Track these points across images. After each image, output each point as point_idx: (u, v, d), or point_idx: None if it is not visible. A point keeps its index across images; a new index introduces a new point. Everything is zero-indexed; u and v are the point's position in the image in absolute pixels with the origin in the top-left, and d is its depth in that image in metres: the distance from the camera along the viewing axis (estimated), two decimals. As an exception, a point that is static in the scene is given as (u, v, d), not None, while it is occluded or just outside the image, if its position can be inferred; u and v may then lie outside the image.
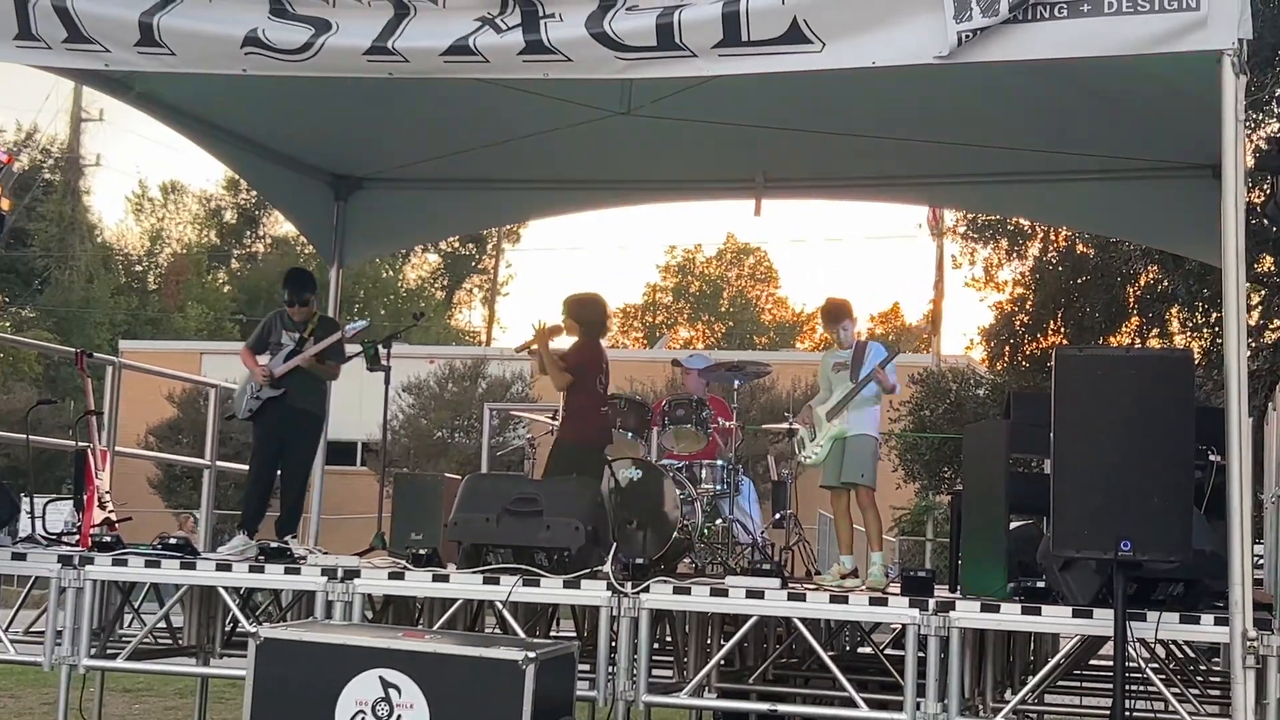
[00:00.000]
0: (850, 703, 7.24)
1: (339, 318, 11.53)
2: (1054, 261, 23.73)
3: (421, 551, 8.20)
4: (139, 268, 59.24)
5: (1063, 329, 23.39)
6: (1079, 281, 23.00)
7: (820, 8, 6.74)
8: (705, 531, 10.45)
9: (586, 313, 9.83)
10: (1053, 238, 23.60)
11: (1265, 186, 11.63)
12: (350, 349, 10.01)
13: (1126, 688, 6.52)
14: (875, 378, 8.76)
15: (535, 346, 9.66)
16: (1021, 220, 22.39)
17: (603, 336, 9.98)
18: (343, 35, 7.31)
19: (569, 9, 7.07)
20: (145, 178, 73.72)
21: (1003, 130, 10.30)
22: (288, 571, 8.06)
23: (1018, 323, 24.15)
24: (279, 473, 9.80)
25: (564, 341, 9.83)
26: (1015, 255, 24.51)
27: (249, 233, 62.70)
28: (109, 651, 8.72)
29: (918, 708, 6.95)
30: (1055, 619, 6.92)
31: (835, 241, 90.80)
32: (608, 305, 10.11)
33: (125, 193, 64.78)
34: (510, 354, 34.86)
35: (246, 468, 10.10)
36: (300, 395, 9.72)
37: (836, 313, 9.19)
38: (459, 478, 10.05)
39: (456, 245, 62.58)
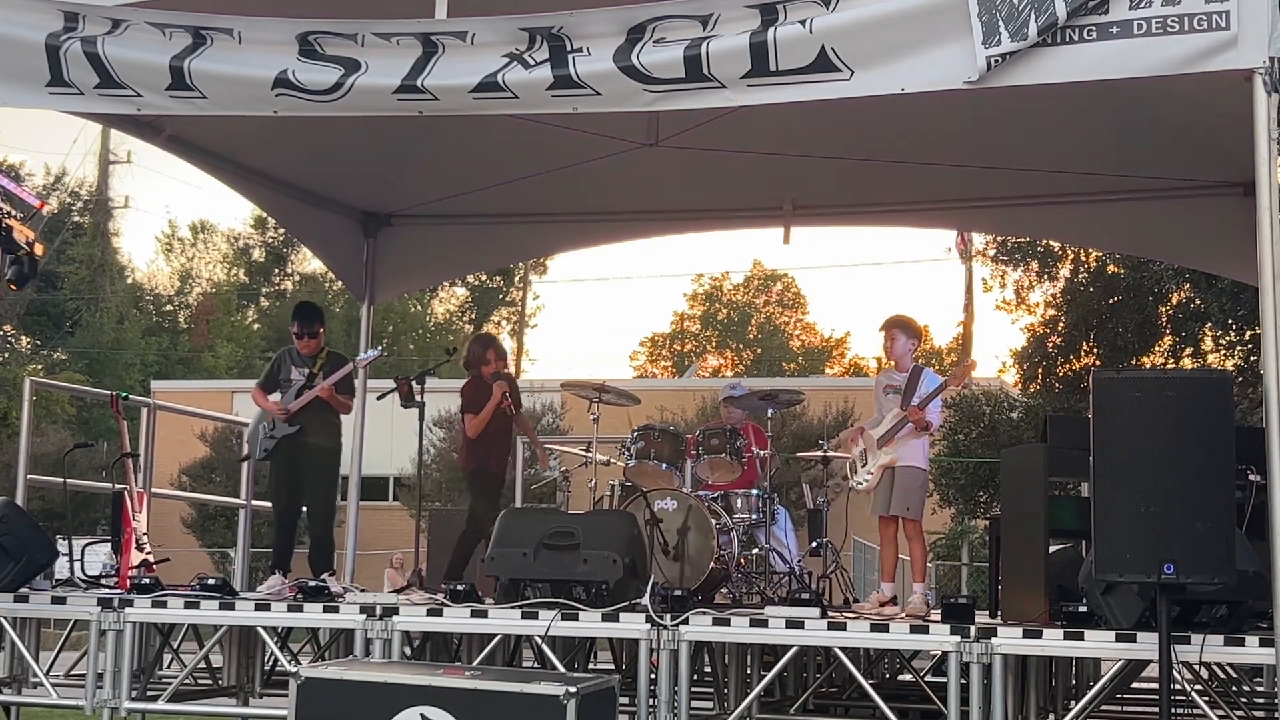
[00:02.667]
0: (893, 731, 7.21)
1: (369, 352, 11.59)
2: (1085, 282, 23.68)
3: (459, 587, 8.21)
4: (169, 308, 59.56)
5: (1095, 350, 23.32)
6: (1111, 302, 22.95)
7: (848, 36, 6.76)
8: (742, 561, 10.41)
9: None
10: (1083, 259, 23.56)
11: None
12: (385, 386, 10.04)
13: (1172, 711, 6.48)
14: (912, 419, 8.67)
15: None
16: (1051, 242, 22.33)
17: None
18: (372, 75, 7.37)
19: (597, 43, 7.10)
20: (174, 218, 74.25)
21: (1032, 153, 10.29)
22: (326, 610, 8.07)
23: (1050, 344, 24.09)
24: (304, 509, 9.84)
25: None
26: (1046, 277, 24.47)
27: (277, 270, 62.96)
28: (150, 693, 8.75)
29: (961, 735, 6.92)
30: (1098, 644, 6.89)
31: (864, 266, 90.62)
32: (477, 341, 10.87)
33: (154, 233, 65.36)
34: (542, 387, 35.03)
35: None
36: (315, 431, 9.75)
37: (899, 326, 9.00)
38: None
39: (484, 278, 62.68)
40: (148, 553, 9.55)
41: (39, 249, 8.78)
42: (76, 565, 9.62)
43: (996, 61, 6.59)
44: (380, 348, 10.87)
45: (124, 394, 10.52)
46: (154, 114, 8.40)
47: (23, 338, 52.60)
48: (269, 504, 10.38)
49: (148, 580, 8.67)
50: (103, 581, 9.52)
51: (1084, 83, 6.84)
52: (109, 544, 9.85)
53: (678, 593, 7.82)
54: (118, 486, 9.88)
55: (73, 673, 8.89)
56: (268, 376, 9.99)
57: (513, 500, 11.72)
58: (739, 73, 6.91)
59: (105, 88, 7.75)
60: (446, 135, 10.26)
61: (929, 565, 25.57)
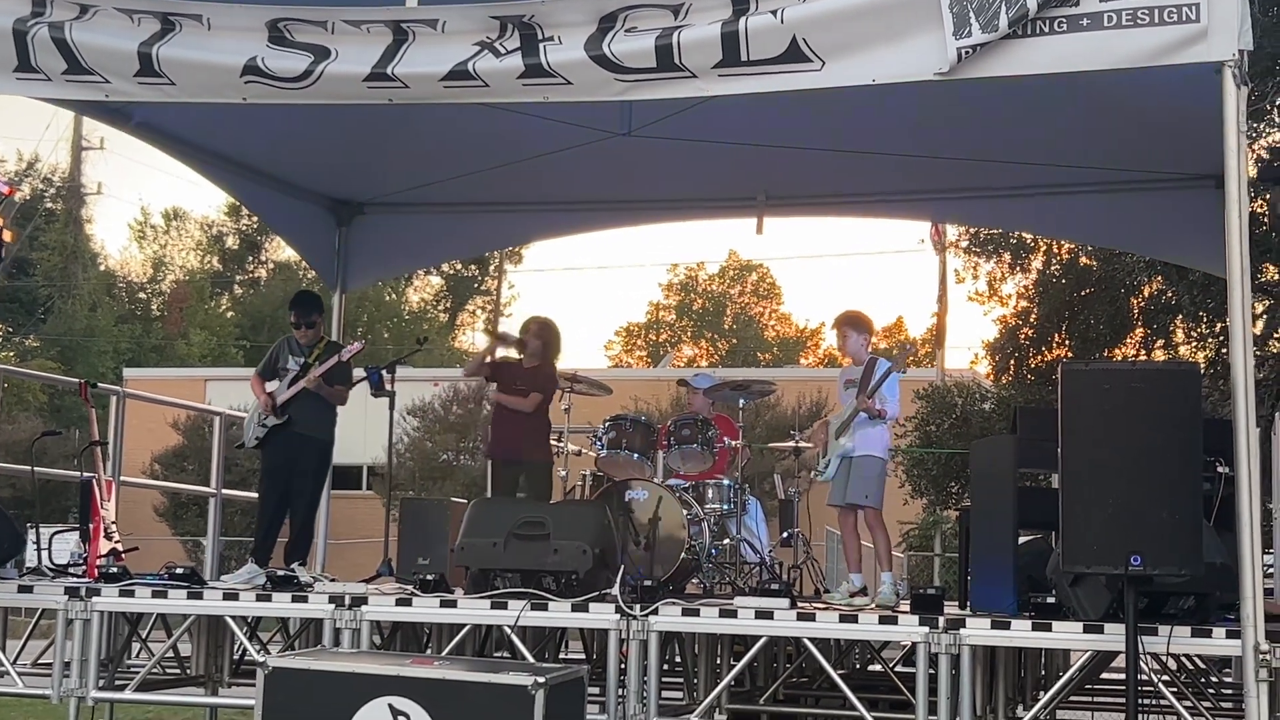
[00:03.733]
0: (861, 721, 7.21)
1: (345, 341, 11.53)
2: (1057, 274, 23.70)
3: (429, 577, 8.19)
4: (142, 295, 59.19)
5: (1067, 341, 23.36)
6: (1083, 294, 22.98)
7: (819, 26, 6.74)
8: (713, 551, 10.42)
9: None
10: (1056, 250, 23.58)
11: (1267, 196, 11.62)
12: (356, 375, 10.00)
13: (1139, 702, 6.50)
14: (861, 408, 8.71)
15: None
16: (1024, 234, 22.36)
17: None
18: (342, 62, 7.32)
19: (568, 32, 7.08)
20: (147, 205, 73.69)
21: (1004, 145, 10.29)
22: (295, 599, 8.05)
23: (1022, 336, 24.12)
24: (288, 500, 9.80)
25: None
26: (1018, 269, 24.48)
27: (251, 258, 62.68)
28: (117, 682, 8.70)
29: (929, 726, 6.93)
30: (1066, 635, 6.90)
31: (838, 257, 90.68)
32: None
33: (127, 220, 64.82)
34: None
35: (253, 495, 10.09)
36: (306, 421, 9.71)
37: (848, 323, 9.09)
38: (465, 502, 10.04)
39: (459, 267, 62.55)
40: (116, 541, 9.50)
41: (9, 235, 8.73)
42: (44, 554, 9.56)
43: (967, 53, 6.58)
44: (362, 341, 10.83)
45: (92, 382, 10.46)
46: (122, 100, 8.34)
47: (-6, 324, 52.33)
48: (242, 493, 10.37)
49: (116, 569, 8.62)
50: (70, 570, 9.46)
51: (1056, 75, 6.85)
52: (77, 532, 9.79)
53: (648, 583, 7.82)
54: (86, 475, 9.82)
55: (40, 661, 8.83)
56: (266, 364, 9.97)
57: (485, 490, 11.65)
58: (710, 62, 6.89)
59: (73, 74, 7.70)
60: (420, 123, 10.21)
61: (900, 556, 25.71)
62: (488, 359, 10.91)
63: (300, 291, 10.52)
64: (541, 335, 10.65)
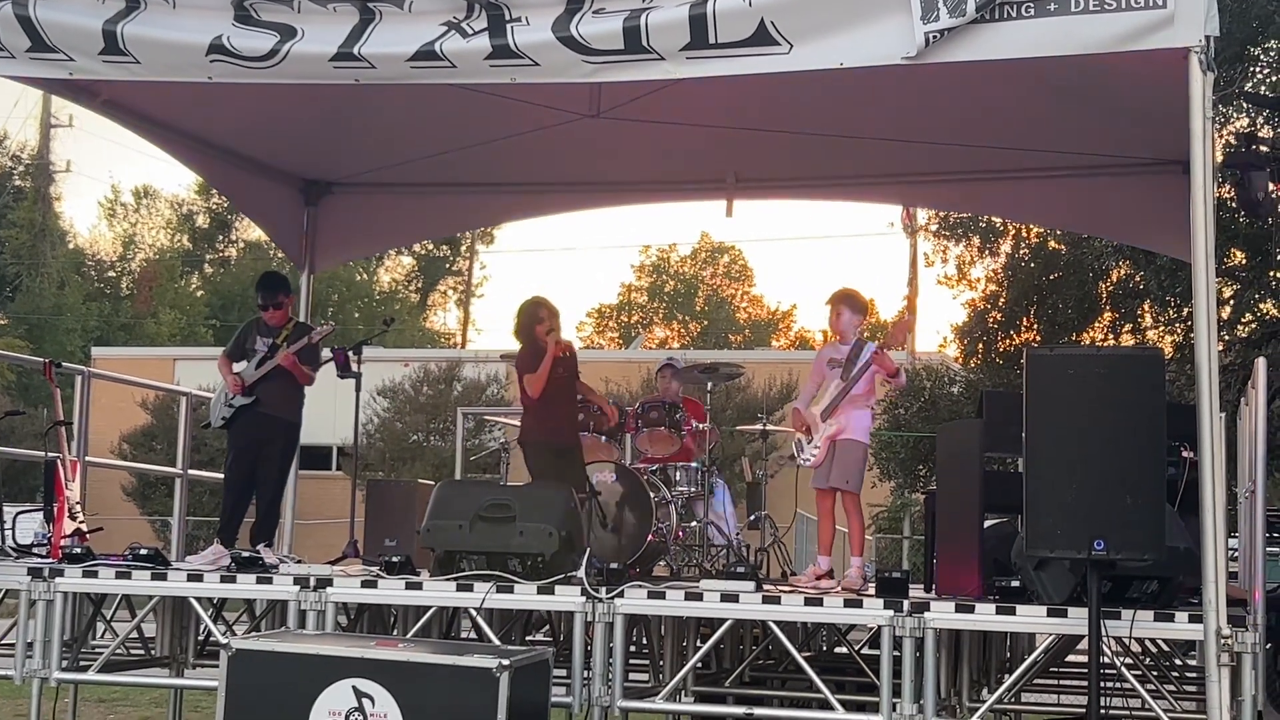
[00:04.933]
0: (826, 704, 7.24)
1: (314, 322, 11.48)
2: (1026, 258, 23.76)
3: (395, 559, 8.17)
4: (111, 274, 58.94)
5: (1036, 325, 23.42)
6: (1051, 278, 23.04)
7: (787, 10, 6.73)
8: (680, 534, 10.42)
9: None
10: (1025, 234, 23.62)
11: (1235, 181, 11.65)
12: (324, 355, 9.97)
13: (1102, 685, 6.53)
14: (874, 362, 8.66)
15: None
16: (994, 218, 22.41)
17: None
18: (308, 42, 7.27)
19: (535, 12, 7.04)
20: (117, 182, 73.39)
21: (974, 129, 10.29)
22: (259, 581, 8.02)
23: (991, 319, 24.17)
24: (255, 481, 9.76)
25: None
26: (987, 252, 24.53)
27: (221, 237, 62.46)
28: (81, 663, 8.67)
29: (894, 709, 6.95)
30: (1030, 619, 6.92)
31: (810, 240, 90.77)
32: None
33: (97, 198, 64.50)
34: (486, 357, 34.90)
35: (219, 475, 10.04)
36: (274, 402, 9.67)
37: (844, 301, 8.99)
38: (433, 483, 10.02)
39: (430, 248, 62.47)
40: (80, 522, 9.44)
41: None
42: (8, 534, 9.51)
43: (935, 37, 6.57)
44: (333, 323, 10.77)
45: (57, 361, 10.39)
46: (87, 79, 8.26)
47: (-39, 303, 52.00)
48: (210, 474, 10.33)
49: (79, 550, 8.57)
50: (34, 550, 9.41)
51: (1023, 59, 6.85)
52: (41, 513, 9.74)
53: (614, 566, 7.82)
54: (51, 455, 9.76)
55: (3, 642, 8.78)
56: (234, 345, 9.93)
57: (454, 472, 11.62)
58: (678, 45, 6.87)
59: (37, 51, 7.63)
60: (389, 102, 10.15)
61: (869, 539, 25.79)
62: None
63: (266, 273, 10.47)
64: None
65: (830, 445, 8.72)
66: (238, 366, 9.76)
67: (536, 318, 10.00)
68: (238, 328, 10.24)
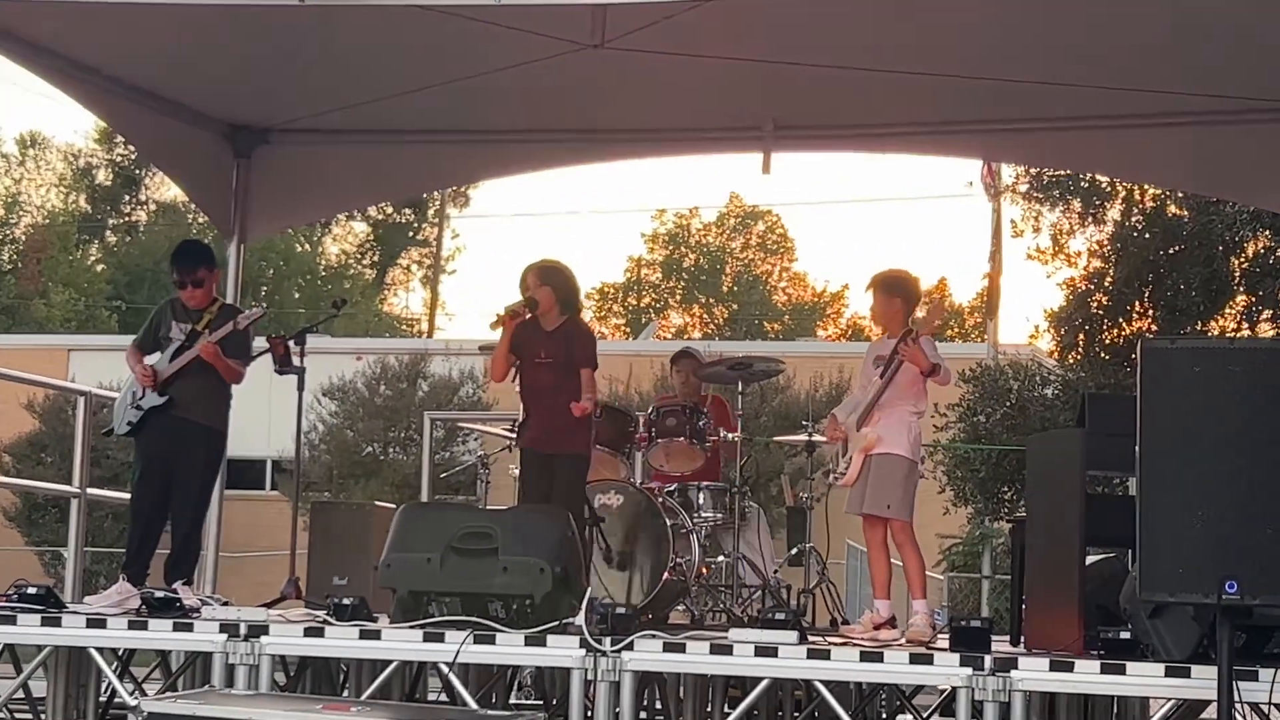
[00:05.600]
0: (887, 786, 7.26)
1: (243, 304, 11.49)
2: (1139, 227, 23.76)
3: (346, 601, 8.19)
4: (-10, 243, 59.19)
5: (1151, 311, 23.44)
6: (1171, 252, 23.06)
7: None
8: (704, 571, 10.44)
9: (574, 285, 9.95)
10: (1138, 198, 23.63)
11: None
12: (257, 345, 9.99)
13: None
14: (904, 356, 8.67)
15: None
16: (1099, 176, 22.41)
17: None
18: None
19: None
20: (-3, 129, 73.50)
21: (1075, 64, 10.28)
22: (177, 628, 8.05)
23: (1094, 304, 24.18)
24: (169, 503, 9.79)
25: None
26: (1091, 220, 24.54)
27: (128, 197, 62.63)
28: (-48, 730, 8.69)
29: (972, 791, 6.97)
30: (1143, 679, 6.93)
31: (866, 203, 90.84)
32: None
33: (-29, 148, 64.47)
34: (460, 349, 34.97)
35: (125, 495, 10.06)
36: (191, 404, 9.68)
37: (887, 285, 9.05)
38: (393, 506, 10.03)
39: (390, 212, 62.56)
40: (-47, 553, 9.48)
41: None
42: None
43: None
44: (262, 305, 10.79)
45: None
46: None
47: None
48: (113, 493, 10.35)
49: (-49, 588, 8.60)
50: (-105, 589, 9.44)
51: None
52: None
53: (621, 610, 7.82)
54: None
55: None
56: (146, 333, 9.94)
57: (419, 492, 11.63)
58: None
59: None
60: (341, 29, 10.16)
61: (939, 578, 25.81)
62: (508, 348, 9.86)
63: (184, 242, 10.47)
64: (549, 281, 9.79)
65: (867, 461, 8.76)
66: (150, 359, 9.77)
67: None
68: (150, 311, 10.26)
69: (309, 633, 7.88)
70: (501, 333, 9.70)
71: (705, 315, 67.23)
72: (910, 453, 8.86)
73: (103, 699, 9.35)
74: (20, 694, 9.12)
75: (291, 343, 9.97)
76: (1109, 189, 23.73)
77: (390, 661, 7.84)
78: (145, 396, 9.68)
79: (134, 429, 9.74)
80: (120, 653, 8.94)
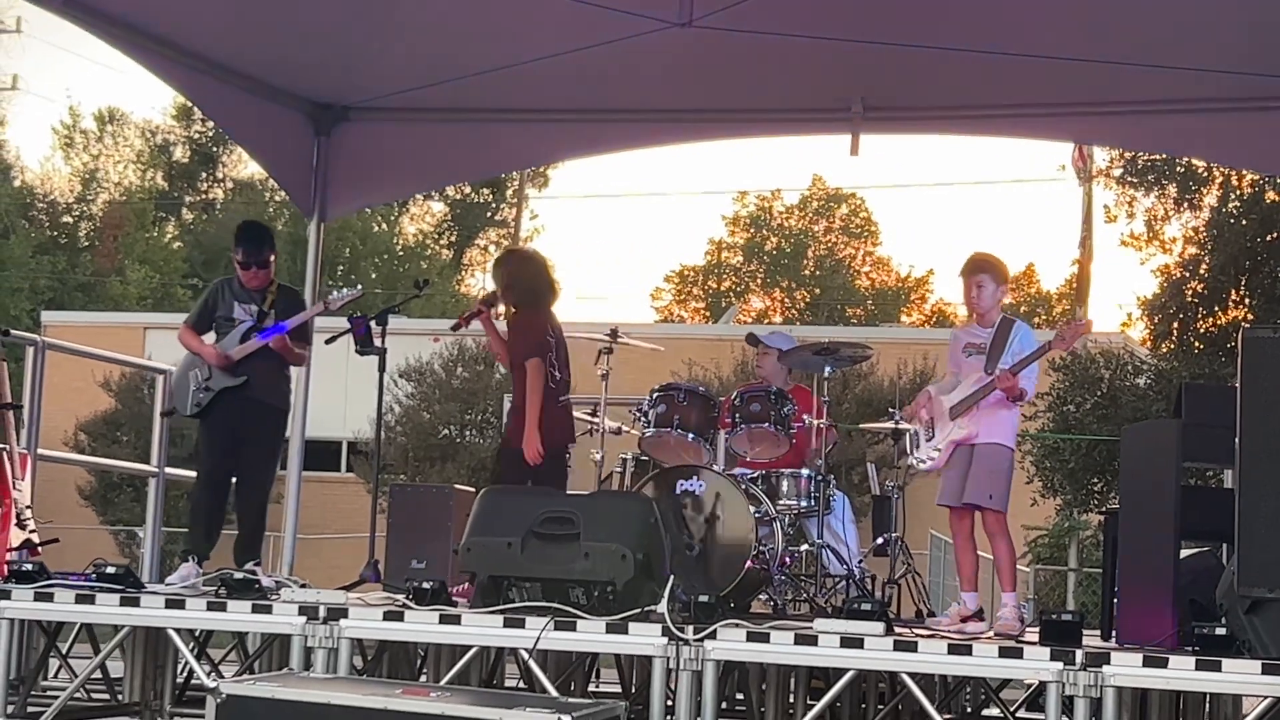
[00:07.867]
0: (974, 781, 7.23)
1: (320, 283, 11.57)
2: (1236, 214, 23.56)
3: (425, 584, 8.22)
4: (67, 219, 59.63)
5: (1247, 300, 23.24)
6: (1269, 239, 22.86)
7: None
8: (787, 560, 10.42)
9: (527, 273, 10.27)
10: (1235, 183, 23.43)
11: None
12: (338, 326, 10.04)
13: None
14: (1002, 386, 8.64)
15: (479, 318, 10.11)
16: (1195, 160, 22.23)
17: (552, 304, 10.37)
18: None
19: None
20: (76, 104, 73.93)
21: (1170, 45, 10.21)
22: (256, 609, 8.09)
23: (1189, 292, 24.02)
24: (235, 483, 9.86)
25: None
26: (1186, 205, 24.35)
27: (205, 175, 62.99)
28: (31, 709, 8.77)
29: (1061, 787, 6.93)
30: (1239, 676, 6.87)
31: (953, 186, 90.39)
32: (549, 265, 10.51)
33: (51, 123, 64.89)
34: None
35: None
36: (262, 386, 9.76)
37: (984, 270, 9.02)
38: (473, 490, 10.05)
39: (468, 192, 62.71)
40: (31, 531, 9.58)
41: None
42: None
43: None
44: (359, 286, 10.83)
45: (4, 329, 10.53)
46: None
47: (-119, 254, 52.81)
48: (190, 472, 10.42)
49: (30, 566, 8.68)
50: (-26, 567, 9.55)
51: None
52: (-17, 520, 9.88)
53: (703, 599, 7.82)
54: (-7, 446, 9.89)
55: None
56: (200, 314, 10.03)
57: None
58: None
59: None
60: (423, 6, 10.20)
61: (1027, 570, 25.68)
62: (499, 342, 10.50)
63: (248, 223, 10.51)
64: (496, 274, 10.50)
65: (961, 451, 8.70)
66: (206, 339, 9.85)
67: None
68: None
69: (388, 616, 7.90)
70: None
71: (786, 299, 67.10)
72: (1012, 441, 8.84)
73: (179, 680, 9.44)
74: (98, 674, 9.22)
75: (373, 323, 10.01)
76: (1205, 174, 23.55)
77: (470, 647, 7.87)
78: (213, 377, 9.74)
79: (203, 409, 9.82)
80: (197, 634, 9.00)
